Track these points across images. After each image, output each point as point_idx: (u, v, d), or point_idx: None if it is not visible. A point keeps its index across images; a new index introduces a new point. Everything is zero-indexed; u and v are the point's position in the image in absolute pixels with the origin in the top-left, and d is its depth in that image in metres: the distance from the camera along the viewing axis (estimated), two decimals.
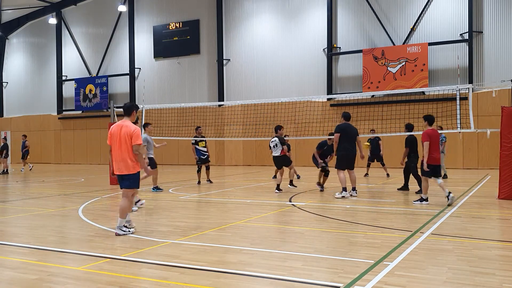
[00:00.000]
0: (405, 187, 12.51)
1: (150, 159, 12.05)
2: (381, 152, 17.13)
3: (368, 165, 17.80)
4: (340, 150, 11.20)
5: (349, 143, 11.15)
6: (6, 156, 22.43)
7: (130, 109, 7.04)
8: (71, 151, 33.28)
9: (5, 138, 24.40)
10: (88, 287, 4.39)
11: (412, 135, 12.12)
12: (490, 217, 8.29)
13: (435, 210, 8.88)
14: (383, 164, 17.31)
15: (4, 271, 4.99)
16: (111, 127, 7.06)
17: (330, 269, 4.90)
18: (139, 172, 6.98)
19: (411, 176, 12.22)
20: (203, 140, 14.91)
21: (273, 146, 12.70)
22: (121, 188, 7.04)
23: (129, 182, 6.92)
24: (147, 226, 7.68)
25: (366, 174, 17.88)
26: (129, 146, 6.80)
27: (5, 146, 22.62)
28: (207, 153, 15.06)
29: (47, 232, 7.13)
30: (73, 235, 7.06)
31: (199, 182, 15.17)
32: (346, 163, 11.25)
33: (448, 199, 9.53)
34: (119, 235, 6.77)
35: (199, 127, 15.20)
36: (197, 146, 14.79)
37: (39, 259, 5.42)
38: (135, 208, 9.19)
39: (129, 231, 6.90)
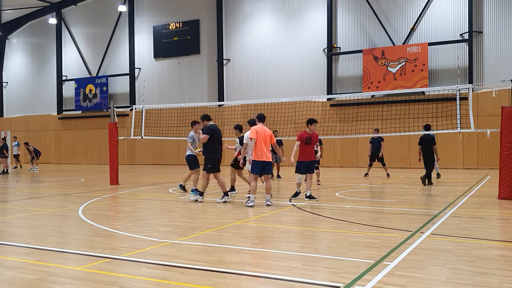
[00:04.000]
0: (426, 180, 13.81)
1: (194, 157, 12.08)
2: (380, 154, 17.01)
3: (370, 165, 17.75)
4: (213, 152, 10.42)
5: (219, 145, 10.63)
6: (6, 156, 22.45)
7: (263, 118, 10.10)
8: (71, 151, 33.28)
9: (4, 138, 24.41)
10: (88, 287, 4.39)
11: (428, 134, 13.69)
12: (490, 217, 8.29)
13: (435, 210, 8.88)
14: (383, 164, 17.29)
15: (4, 271, 4.99)
16: (257, 128, 9.75)
17: (330, 269, 4.89)
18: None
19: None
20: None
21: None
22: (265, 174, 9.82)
23: (268, 167, 9.84)
24: (147, 226, 7.67)
25: (366, 174, 17.86)
26: (269, 142, 9.87)
27: (5, 146, 22.63)
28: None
29: (47, 232, 7.13)
30: (73, 235, 7.06)
31: (278, 176, 17.39)
32: (218, 166, 10.58)
33: (293, 197, 10.71)
34: (269, 205, 9.64)
35: (276, 131, 16.70)
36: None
37: (39, 259, 5.42)
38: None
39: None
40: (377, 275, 4.58)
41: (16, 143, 26.08)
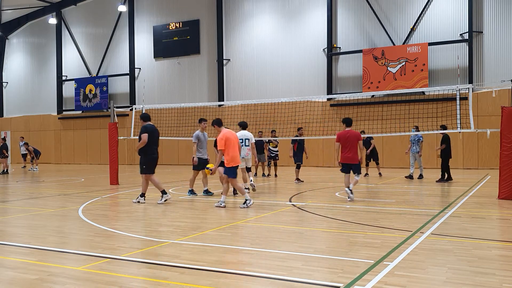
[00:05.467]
0: (448, 178, 14.89)
1: (198, 159, 11.64)
2: (367, 151, 17.23)
3: (367, 165, 17.84)
4: (149, 153, 10.29)
5: (155, 146, 10.43)
6: (6, 156, 22.44)
7: (221, 122, 10.30)
8: (71, 151, 33.29)
9: (3, 139, 24.40)
10: (88, 287, 4.39)
11: (447, 134, 14.77)
12: (490, 217, 8.29)
13: (435, 210, 8.88)
14: (377, 164, 17.62)
15: (4, 271, 4.99)
16: (227, 134, 9.63)
17: (330, 269, 4.89)
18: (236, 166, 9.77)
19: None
20: (272, 141, 17.57)
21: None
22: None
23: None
24: (147, 226, 7.68)
25: (366, 174, 17.91)
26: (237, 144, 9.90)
27: (5, 146, 22.63)
28: (276, 152, 17.79)
29: (47, 232, 7.13)
30: (73, 235, 7.06)
31: (263, 175, 18.14)
32: (153, 167, 10.46)
33: (349, 197, 10.38)
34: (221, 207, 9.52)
35: (274, 130, 18.15)
36: (269, 146, 17.67)
37: (39, 259, 5.42)
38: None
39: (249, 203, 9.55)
40: (377, 275, 4.58)
41: (23, 142, 26.17)
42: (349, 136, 10.50)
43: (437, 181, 14.96)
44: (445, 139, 14.91)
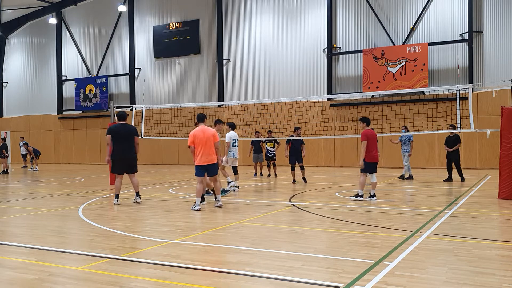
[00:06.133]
0: (449, 179, 14.91)
1: None
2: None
3: None
4: (115, 153, 10.06)
5: (123, 145, 10.08)
6: (6, 156, 22.44)
7: (203, 118, 9.53)
8: (71, 151, 33.28)
9: (3, 139, 24.40)
10: (88, 287, 4.39)
11: (457, 134, 14.92)
12: (490, 217, 8.29)
13: (435, 210, 8.88)
14: None
15: (4, 271, 4.99)
16: (195, 132, 9.28)
17: (330, 269, 4.89)
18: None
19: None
20: (271, 141, 17.68)
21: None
22: (211, 175, 9.56)
23: (212, 169, 9.51)
24: (147, 226, 7.67)
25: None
26: (212, 143, 9.35)
27: (5, 146, 22.62)
28: (273, 152, 17.76)
29: (47, 232, 7.12)
30: (73, 235, 7.06)
31: (261, 174, 18.45)
32: (120, 167, 10.16)
33: (370, 199, 10.31)
34: (220, 206, 9.43)
35: (270, 130, 18.22)
36: (266, 146, 17.85)
37: (39, 259, 5.42)
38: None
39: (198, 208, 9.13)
40: (377, 275, 4.58)
41: (22, 143, 26.23)
42: (373, 135, 10.38)
43: (444, 180, 15.10)
44: (459, 139, 15.02)
